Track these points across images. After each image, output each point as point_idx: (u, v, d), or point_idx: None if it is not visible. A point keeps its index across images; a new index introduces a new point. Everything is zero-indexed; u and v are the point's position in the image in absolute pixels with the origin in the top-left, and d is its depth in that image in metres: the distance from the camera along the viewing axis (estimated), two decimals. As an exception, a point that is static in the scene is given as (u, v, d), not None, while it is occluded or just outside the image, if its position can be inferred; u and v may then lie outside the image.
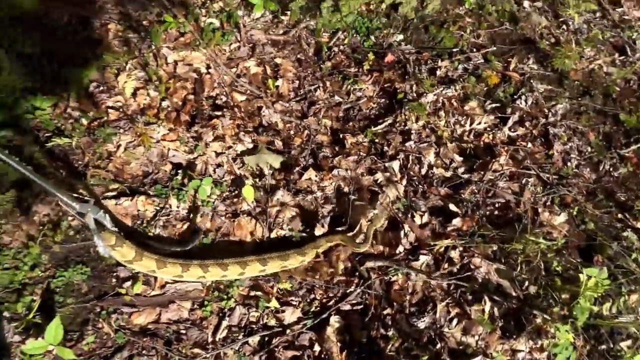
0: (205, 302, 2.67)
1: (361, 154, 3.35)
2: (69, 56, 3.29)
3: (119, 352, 2.42)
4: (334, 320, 2.69)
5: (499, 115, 3.60)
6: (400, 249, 2.94)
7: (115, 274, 2.66)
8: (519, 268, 2.84)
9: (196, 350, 2.51)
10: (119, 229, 2.61)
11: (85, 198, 2.48)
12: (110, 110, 3.17)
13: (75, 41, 3.42)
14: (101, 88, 3.26)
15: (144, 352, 2.46)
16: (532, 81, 3.83)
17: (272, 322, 2.68)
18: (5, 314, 2.40)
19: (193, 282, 2.71)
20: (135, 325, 2.53)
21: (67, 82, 3.16)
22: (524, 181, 3.24)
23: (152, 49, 3.53)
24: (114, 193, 2.88)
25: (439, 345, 2.64)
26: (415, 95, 3.62)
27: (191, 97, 3.43)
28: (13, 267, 2.52)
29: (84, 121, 3.07)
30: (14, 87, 2.85)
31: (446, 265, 2.88)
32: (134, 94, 3.29)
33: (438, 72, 3.79)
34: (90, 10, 3.60)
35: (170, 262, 2.62)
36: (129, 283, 2.64)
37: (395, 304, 2.77)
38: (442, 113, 3.54)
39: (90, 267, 2.63)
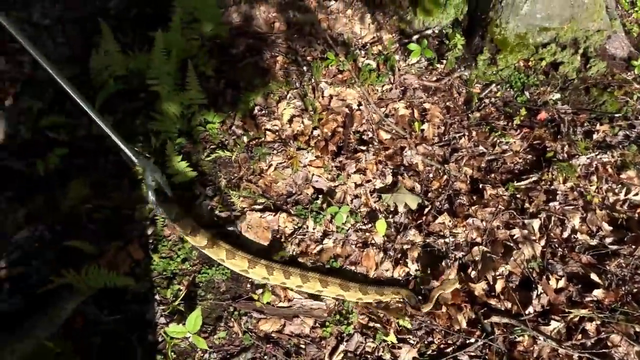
0: (327, 323, 2.78)
1: (500, 207, 3.28)
2: (240, 81, 3.71)
3: (244, 353, 2.60)
4: (450, 369, 2.64)
5: (661, 189, 3.32)
6: (530, 309, 2.81)
7: (250, 279, 2.88)
8: (666, 356, 2.56)
9: (311, 367, 2.62)
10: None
11: (147, 155, 2.60)
12: (267, 132, 3.49)
13: (247, 68, 3.84)
14: (263, 112, 3.60)
15: (265, 357, 2.62)
16: None
17: (387, 357, 2.70)
18: (157, 297, 2.72)
19: (257, 280, 2.86)
20: (261, 330, 2.71)
21: (236, 103, 3.55)
22: (682, 263, 2.94)
23: (312, 82, 3.82)
24: (260, 207, 3.15)
25: (560, 420, 2.47)
26: (566, 155, 3.48)
27: (340, 129, 3.64)
28: (168, 257, 2.86)
29: (245, 139, 3.41)
30: (194, 102, 3.27)
31: (579, 337, 2.69)
32: (290, 121, 3.59)
33: (595, 136, 3.60)
34: (265, 43, 4.02)
35: (239, 255, 2.78)
36: (260, 290, 2.84)
37: (517, 365, 2.65)
38: (594, 178, 3.36)
39: (230, 269, 2.89)
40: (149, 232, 2.93)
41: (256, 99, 3.62)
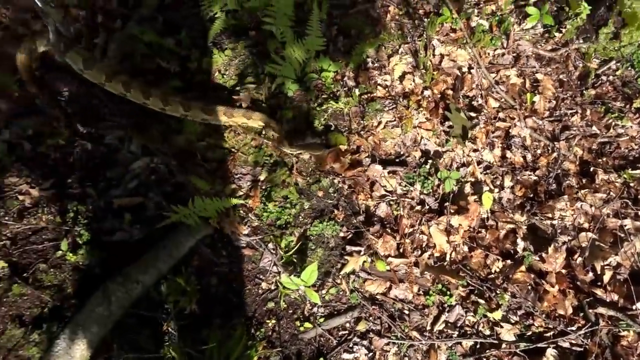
0: (430, 291, 2.77)
1: (611, 194, 3.16)
2: (351, 28, 3.57)
3: (351, 311, 2.63)
4: (551, 353, 2.63)
5: None
6: (639, 305, 2.75)
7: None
8: None
9: (414, 334, 2.63)
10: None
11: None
12: (378, 87, 3.38)
13: (358, 16, 3.68)
14: (375, 65, 3.47)
15: (370, 318, 2.64)
16: None
17: (487, 332, 2.71)
18: (270, 245, 2.73)
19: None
20: (367, 291, 2.72)
21: (348, 53, 3.42)
22: None
23: (424, 38, 3.64)
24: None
25: (663, 420, 2.47)
26: (689, 148, 3.31)
27: (449, 92, 3.50)
28: (281, 207, 2.85)
29: (357, 92, 3.31)
30: (313, 48, 3.15)
31: (691, 340, 2.64)
32: (401, 77, 3.46)
33: None
34: (377, -10, 3.83)
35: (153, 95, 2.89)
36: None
37: (621, 360, 2.63)
38: None
39: (339, 225, 2.87)
40: (262, 177, 2.91)
41: (368, 50, 3.49)
